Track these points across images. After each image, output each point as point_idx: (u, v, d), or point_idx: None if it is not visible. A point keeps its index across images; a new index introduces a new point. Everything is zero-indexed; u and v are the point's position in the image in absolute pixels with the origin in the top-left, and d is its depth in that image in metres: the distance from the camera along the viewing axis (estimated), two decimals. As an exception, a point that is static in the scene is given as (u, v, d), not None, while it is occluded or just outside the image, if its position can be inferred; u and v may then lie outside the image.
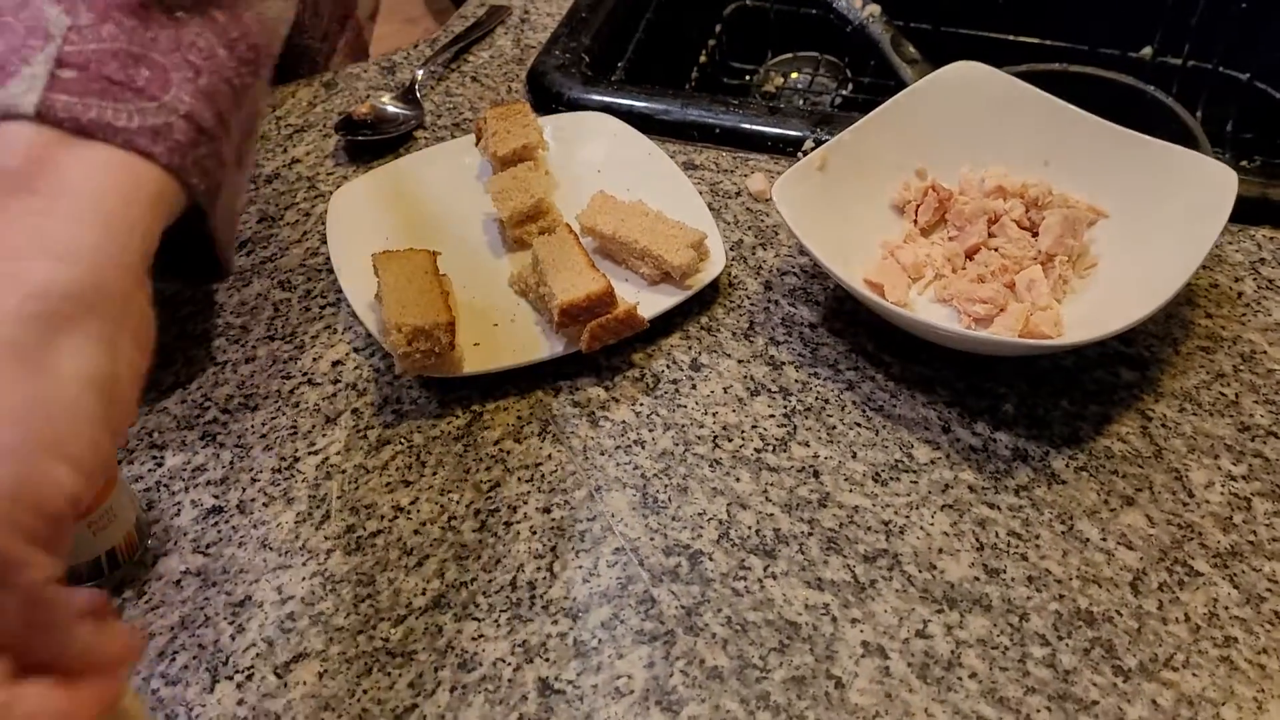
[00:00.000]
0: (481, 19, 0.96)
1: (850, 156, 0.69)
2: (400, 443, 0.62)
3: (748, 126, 0.81)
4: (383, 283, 0.63)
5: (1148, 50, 1.06)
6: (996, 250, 0.67)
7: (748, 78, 1.19)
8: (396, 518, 0.58)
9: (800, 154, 0.79)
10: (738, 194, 0.77)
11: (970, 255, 0.68)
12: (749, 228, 0.74)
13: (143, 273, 0.38)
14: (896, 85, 1.00)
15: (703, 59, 1.15)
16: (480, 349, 0.65)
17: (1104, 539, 0.55)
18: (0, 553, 0.32)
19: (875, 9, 1.04)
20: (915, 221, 0.70)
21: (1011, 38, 1.10)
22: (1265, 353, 0.64)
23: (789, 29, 1.17)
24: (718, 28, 1.18)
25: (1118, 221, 0.67)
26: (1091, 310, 0.64)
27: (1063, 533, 0.55)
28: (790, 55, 1.22)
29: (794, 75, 1.21)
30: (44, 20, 0.38)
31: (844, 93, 1.16)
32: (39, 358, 0.34)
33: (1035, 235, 0.67)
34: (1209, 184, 0.63)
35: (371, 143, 0.82)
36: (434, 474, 0.60)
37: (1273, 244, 0.70)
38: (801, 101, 1.15)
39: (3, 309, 0.34)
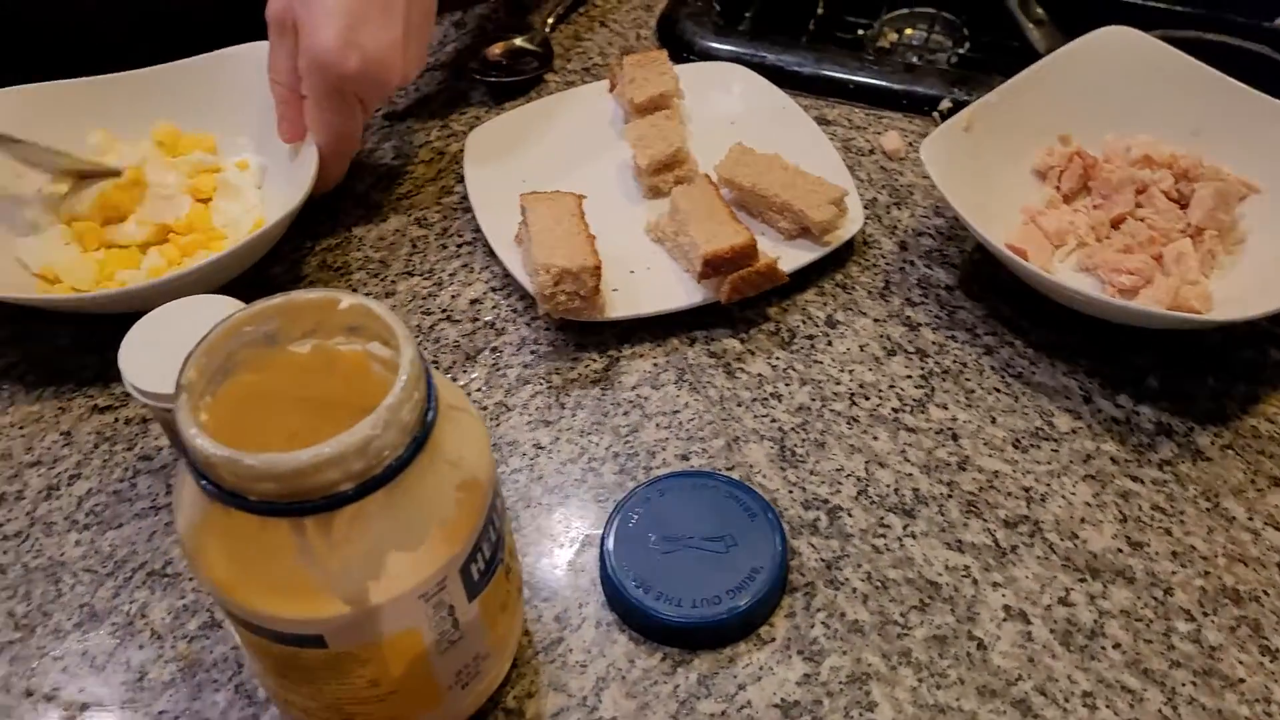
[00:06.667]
0: (609, -37, 0.95)
1: (995, 119, 0.68)
2: (540, 383, 0.63)
3: (883, 84, 0.80)
4: (530, 223, 0.64)
5: (1282, 20, 1.03)
6: (1144, 221, 0.66)
7: (860, 31, 1.18)
8: (538, 456, 0.59)
9: (936, 113, 0.79)
10: (871, 151, 0.76)
11: (1115, 225, 0.67)
12: (883, 186, 0.74)
13: None
14: (1019, 46, 0.99)
15: (821, 10, 1.14)
16: (619, 295, 0.65)
17: (1250, 519, 0.55)
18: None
19: (1003, -34, 1.02)
20: (1058, 188, 0.69)
21: (1136, 0, 1.07)
22: None
23: (906, -17, 1.15)
24: (835, -20, 1.16)
25: (1269, 196, 0.66)
26: (1241, 287, 0.63)
27: (1208, 510, 0.55)
28: (906, 10, 1.19)
29: (909, 31, 1.18)
30: None
31: (960, 51, 1.14)
32: None
33: (1184, 207, 0.66)
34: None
35: (503, 84, 0.83)
36: (573, 415, 0.61)
37: None
38: (917, 59, 1.13)
39: None
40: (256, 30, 0.71)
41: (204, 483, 0.37)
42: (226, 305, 0.54)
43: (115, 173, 0.70)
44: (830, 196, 0.66)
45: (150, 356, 0.52)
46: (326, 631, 0.40)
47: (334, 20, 0.63)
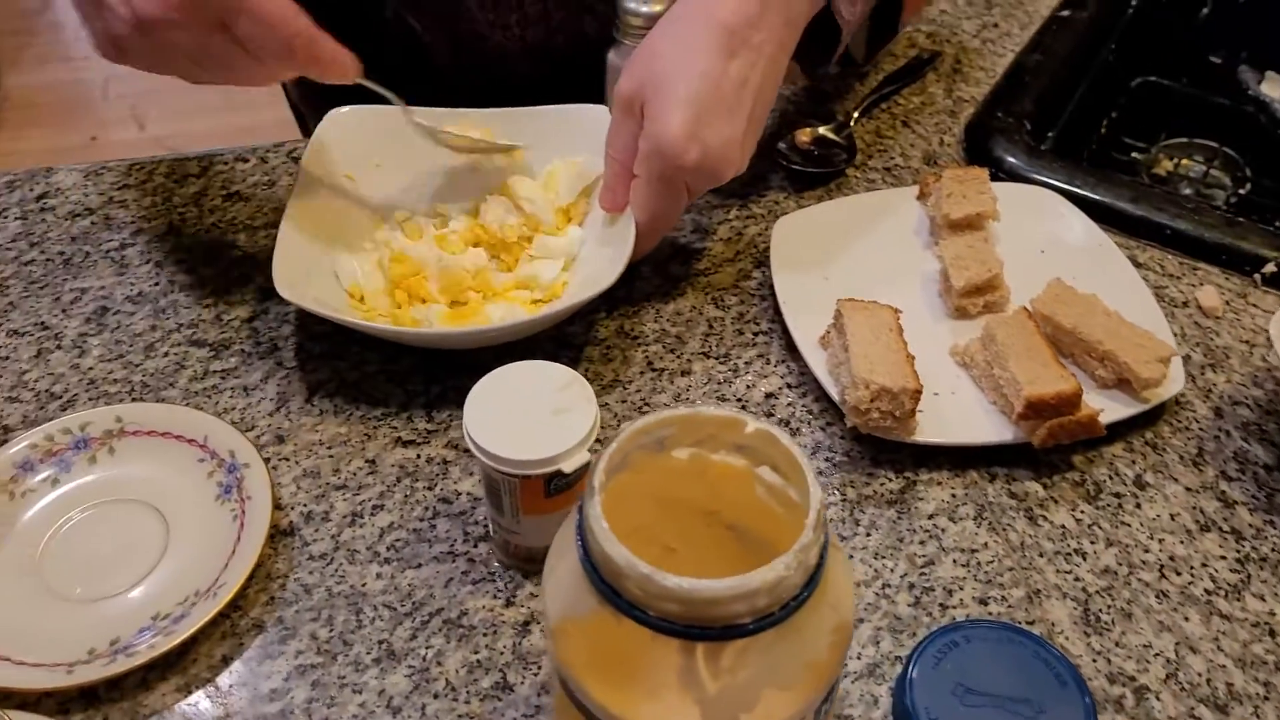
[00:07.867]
0: (913, 62, 0.95)
1: (1343, 299, 0.65)
2: (834, 494, 0.62)
3: (1203, 235, 0.77)
4: (848, 333, 0.64)
5: None
6: None
7: (1133, 154, 1.15)
8: (831, 572, 0.59)
9: (1257, 275, 0.75)
10: (1185, 304, 0.74)
11: None
12: (1197, 344, 0.71)
13: (792, 34, 0.70)
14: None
15: (1103, 130, 1.11)
16: (924, 416, 0.64)
17: None
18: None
19: (1313, 117, 0.98)
20: (1397, 380, 0.66)
21: None
22: None
23: (1189, 112, 1.12)
24: (1120, 100, 1.14)
25: None
26: None
27: None
28: (1185, 140, 1.16)
29: (1185, 162, 1.15)
30: None
31: (1241, 192, 1.10)
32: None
33: None
34: None
35: (807, 173, 0.83)
36: (868, 534, 0.60)
37: None
38: (1191, 191, 1.10)
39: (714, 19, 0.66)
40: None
41: (605, 588, 0.38)
42: (563, 374, 0.55)
43: (509, 148, 0.76)
44: (1158, 354, 0.64)
45: (493, 417, 0.54)
46: None
47: (682, 111, 0.64)
